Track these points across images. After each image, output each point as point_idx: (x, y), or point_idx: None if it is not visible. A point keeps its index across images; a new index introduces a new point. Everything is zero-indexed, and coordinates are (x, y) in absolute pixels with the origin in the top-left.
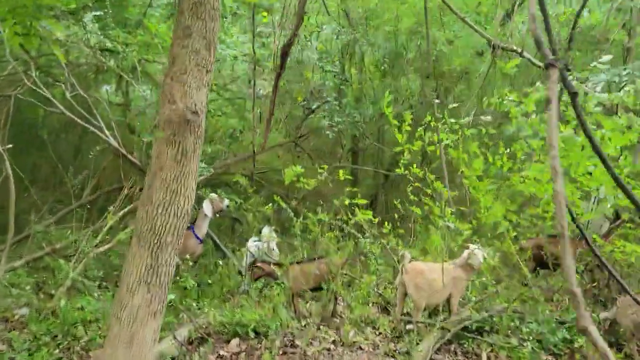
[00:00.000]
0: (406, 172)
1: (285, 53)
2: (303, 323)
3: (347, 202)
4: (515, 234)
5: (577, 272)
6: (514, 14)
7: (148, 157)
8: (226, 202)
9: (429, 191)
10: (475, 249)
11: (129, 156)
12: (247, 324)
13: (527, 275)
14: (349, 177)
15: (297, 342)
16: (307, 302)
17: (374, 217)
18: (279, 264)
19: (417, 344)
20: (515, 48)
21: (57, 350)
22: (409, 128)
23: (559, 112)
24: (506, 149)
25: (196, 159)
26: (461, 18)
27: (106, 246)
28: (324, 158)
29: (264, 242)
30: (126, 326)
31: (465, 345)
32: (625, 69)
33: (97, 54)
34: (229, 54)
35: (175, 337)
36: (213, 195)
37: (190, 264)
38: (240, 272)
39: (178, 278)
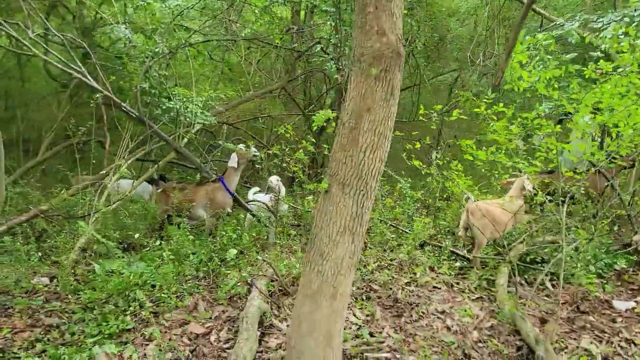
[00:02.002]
0: (488, 111)
1: None
2: (370, 268)
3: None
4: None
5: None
6: None
7: (145, 105)
8: (253, 151)
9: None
10: (525, 178)
11: (124, 105)
12: None
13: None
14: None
15: (375, 286)
16: None
17: None
18: None
19: (487, 279)
20: None
21: (128, 318)
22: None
23: None
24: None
25: (398, 98)
26: None
27: (116, 204)
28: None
29: (274, 184)
30: (330, 279)
31: (526, 277)
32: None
33: None
34: None
35: (261, 292)
36: (240, 146)
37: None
38: (264, 224)
39: (224, 233)
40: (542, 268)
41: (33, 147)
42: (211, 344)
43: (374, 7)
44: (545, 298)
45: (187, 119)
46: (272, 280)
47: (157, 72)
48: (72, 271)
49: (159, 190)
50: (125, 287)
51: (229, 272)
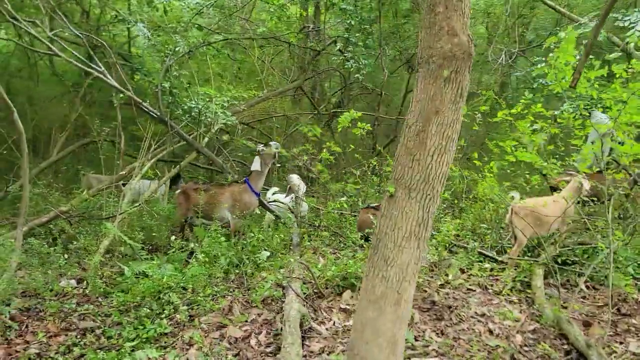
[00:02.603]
0: (525, 111)
1: None
2: None
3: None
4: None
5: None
6: None
7: (167, 105)
8: (274, 145)
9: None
10: (581, 178)
11: (145, 105)
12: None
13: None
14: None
15: None
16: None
17: None
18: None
19: (520, 281)
20: None
21: (164, 321)
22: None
23: None
24: None
25: (465, 99)
26: None
27: (141, 204)
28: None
29: (295, 182)
30: (394, 285)
31: (559, 278)
32: None
33: None
34: None
35: (298, 295)
36: (260, 146)
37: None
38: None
39: (252, 234)
40: (574, 269)
41: (42, 147)
42: (252, 348)
43: (444, 7)
44: (583, 300)
45: (209, 119)
46: (303, 283)
47: (178, 71)
48: (100, 273)
49: (178, 192)
50: (158, 290)
51: (263, 274)
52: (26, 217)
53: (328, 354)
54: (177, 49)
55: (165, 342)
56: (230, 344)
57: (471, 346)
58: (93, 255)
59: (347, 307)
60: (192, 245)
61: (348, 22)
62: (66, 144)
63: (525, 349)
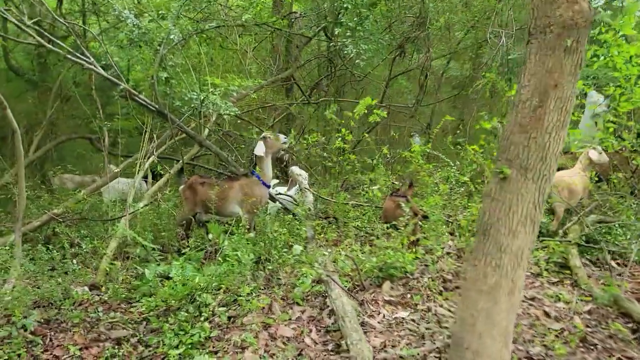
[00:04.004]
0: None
1: None
2: (435, 257)
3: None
4: None
5: None
6: None
7: (164, 96)
8: (283, 138)
9: None
10: (591, 150)
11: (142, 98)
12: (402, 266)
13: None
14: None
15: (446, 276)
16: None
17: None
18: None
19: (554, 262)
20: None
21: (206, 324)
22: None
23: None
24: None
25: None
26: None
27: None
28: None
29: (297, 174)
30: (509, 273)
31: (588, 255)
32: None
33: None
34: None
35: (343, 289)
36: (266, 133)
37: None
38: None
39: (277, 230)
40: (599, 247)
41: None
42: (309, 346)
43: None
44: (627, 278)
45: (210, 110)
46: (340, 276)
47: (172, 60)
48: (116, 277)
49: (183, 187)
50: (189, 292)
51: (296, 269)
52: (23, 222)
53: (393, 347)
54: (170, 37)
55: (213, 347)
56: (284, 344)
57: (535, 331)
58: (103, 259)
59: (391, 298)
60: (211, 242)
61: (344, 6)
62: (40, 142)
63: (589, 329)
